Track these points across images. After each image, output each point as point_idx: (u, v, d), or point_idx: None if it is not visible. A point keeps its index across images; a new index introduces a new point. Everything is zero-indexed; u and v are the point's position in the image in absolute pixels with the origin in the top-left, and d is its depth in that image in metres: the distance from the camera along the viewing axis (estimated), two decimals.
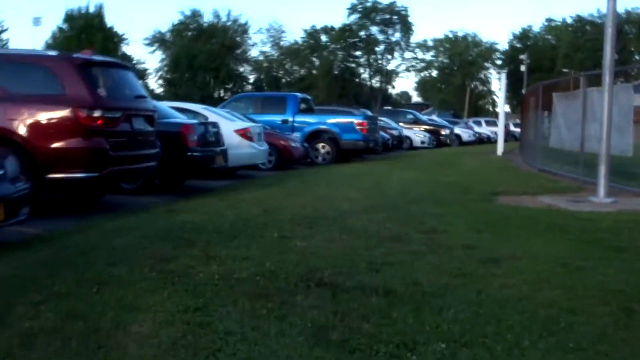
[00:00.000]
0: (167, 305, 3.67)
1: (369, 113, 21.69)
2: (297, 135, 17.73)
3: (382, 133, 25.15)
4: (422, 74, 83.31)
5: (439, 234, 6.33)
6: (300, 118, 18.55)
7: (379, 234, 6.22)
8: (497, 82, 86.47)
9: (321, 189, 10.36)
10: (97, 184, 7.46)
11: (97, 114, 7.00)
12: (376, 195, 9.61)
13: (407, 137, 30.02)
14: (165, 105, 11.83)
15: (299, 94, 19.79)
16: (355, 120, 18.24)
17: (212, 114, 13.74)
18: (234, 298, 3.87)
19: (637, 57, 69.29)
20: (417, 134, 31.01)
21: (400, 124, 31.10)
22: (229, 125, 13.49)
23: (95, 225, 6.56)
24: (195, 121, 11.10)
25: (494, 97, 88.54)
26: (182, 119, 10.80)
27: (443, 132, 33.47)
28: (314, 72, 69.25)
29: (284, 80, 70.42)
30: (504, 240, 6.17)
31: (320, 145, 18.37)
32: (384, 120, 29.39)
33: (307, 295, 4.02)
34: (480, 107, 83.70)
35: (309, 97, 20.42)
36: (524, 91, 49.07)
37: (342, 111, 21.06)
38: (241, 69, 71.45)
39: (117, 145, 7.33)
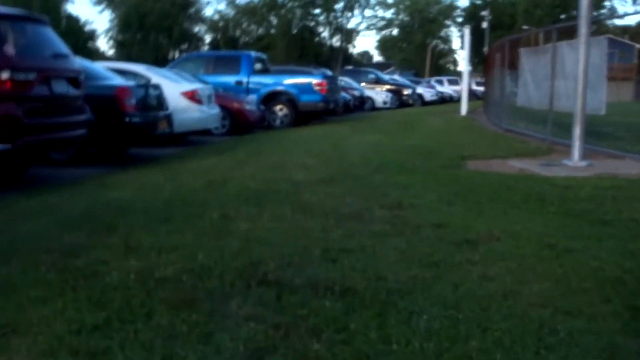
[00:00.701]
0: (56, 323, 2.82)
1: (329, 73, 20.76)
2: (252, 97, 16.77)
3: (343, 94, 24.35)
4: (383, 33, 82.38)
5: (405, 209, 5.58)
6: (255, 79, 17.57)
7: (337, 211, 5.43)
8: (459, 41, 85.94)
9: (275, 156, 9.52)
10: (11, 156, 6.47)
11: (4, 75, 6.00)
12: (335, 162, 8.81)
13: (369, 98, 29.25)
14: (100, 66, 10.75)
15: (253, 53, 18.75)
16: (314, 81, 17.32)
17: (156, 76, 12.69)
18: (149, 308, 3.05)
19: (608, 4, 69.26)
20: (379, 94, 30.26)
21: (362, 84, 30.29)
22: (175, 87, 12.49)
23: (4, 206, 5.63)
24: (132, 83, 10.08)
25: (456, 55, 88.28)
26: (118, 81, 9.77)
27: (405, 92, 32.76)
28: (272, 31, 67.58)
29: (241, 41, 68.57)
30: (478, 214, 5.45)
31: (278, 107, 17.45)
32: (344, 80, 28.55)
33: (245, 299, 3.22)
34: (442, 66, 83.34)
35: (264, 57, 19.38)
36: (486, 49, 48.55)
37: (300, 71, 20.08)
38: (196, 29, 69.43)
39: (32, 112, 6.35)
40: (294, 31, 65.31)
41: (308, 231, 4.73)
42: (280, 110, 17.40)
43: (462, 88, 22.25)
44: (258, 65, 18.27)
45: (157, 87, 10.79)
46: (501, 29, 69.18)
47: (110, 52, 67.23)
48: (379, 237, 4.56)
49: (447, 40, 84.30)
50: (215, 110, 13.47)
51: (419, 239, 4.54)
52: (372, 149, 10.48)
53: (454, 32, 79.37)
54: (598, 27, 53.63)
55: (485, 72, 25.04)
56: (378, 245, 4.34)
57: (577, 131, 8.76)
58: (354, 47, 77.24)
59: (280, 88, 17.42)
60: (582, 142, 8.78)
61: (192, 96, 12.39)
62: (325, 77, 17.60)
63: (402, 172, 7.84)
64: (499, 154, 9.87)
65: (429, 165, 8.59)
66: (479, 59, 57.17)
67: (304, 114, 17.48)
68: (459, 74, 78.38)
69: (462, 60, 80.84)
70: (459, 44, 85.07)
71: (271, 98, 17.41)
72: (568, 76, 11.44)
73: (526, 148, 10.67)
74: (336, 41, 70.63)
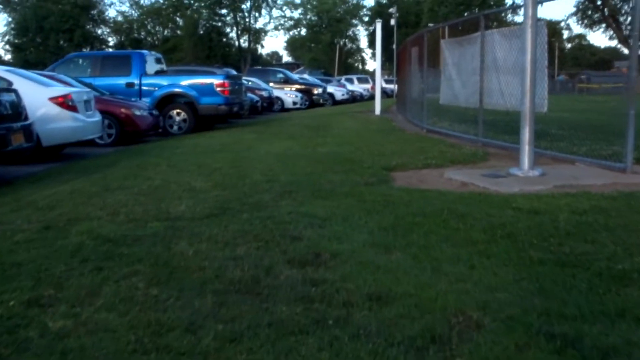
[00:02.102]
0: None
1: (233, 72, 18.62)
2: (144, 101, 14.43)
3: (249, 95, 22.27)
4: (291, 33, 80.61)
5: (325, 266, 3.64)
6: (148, 80, 15.22)
7: (221, 278, 3.43)
8: (366, 40, 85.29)
9: (159, 176, 7.38)
10: None
11: None
12: (233, 183, 6.77)
13: (278, 98, 27.27)
14: None
15: (145, 52, 16.36)
16: (215, 81, 15.13)
17: (19, 79, 10.22)
18: None
19: None
20: (289, 95, 28.32)
21: (271, 84, 28.26)
22: (43, 92, 10.08)
23: None
24: None
25: (363, 54, 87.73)
26: None
27: (316, 92, 30.91)
28: (179, 32, 64.36)
29: (145, 42, 64.99)
30: (435, 272, 3.57)
31: (175, 111, 15.16)
32: (252, 81, 26.46)
33: None
34: (350, 65, 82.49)
35: (159, 55, 17.01)
36: (394, 46, 47.59)
37: (200, 71, 17.87)
38: (99, 31, 65.25)
39: None
40: (201, 32, 62.31)
41: (163, 332, 2.70)
42: (178, 114, 15.12)
43: (376, 86, 20.62)
44: (152, 66, 15.93)
45: (12, 92, 8.42)
46: (407, 27, 68.99)
47: (7, 57, 62.34)
48: (284, 341, 2.59)
49: (354, 39, 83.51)
50: (95, 117, 11.11)
51: (352, 341, 2.60)
52: (280, 161, 8.50)
53: (361, 31, 78.58)
54: (499, 22, 53.81)
55: (399, 68, 23.58)
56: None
57: (526, 134, 7.09)
58: (262, 47, 74.96)
59: (177, 90, 15.14)
60: (532, 148, 7.12)
61: (62, 102, 10.00)
62: (227, 77, 15.44)
63: (317, 195, 5.90)
64: (431, 162, 8.11)
65: (349, 181, 6.70)
66: (386, 57, 56.22)
67: (205, 118, 15.28)
68: (367, 72, 77.84)
69: (371, 58, 79.95)
70: (366, 42, 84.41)
71: (167, 101, 15.12)
72: (501, 69, 9.87)
73: (459, 153, 8.97)
74: (244, 41, 68.19)
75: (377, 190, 6.16)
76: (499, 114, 10.75)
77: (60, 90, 10.38)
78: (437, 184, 6.71)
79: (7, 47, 61.77)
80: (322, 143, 10.83)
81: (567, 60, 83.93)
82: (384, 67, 55.74)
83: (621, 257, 3.82)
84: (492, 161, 8.46)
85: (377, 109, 19.92)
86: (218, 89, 15.08)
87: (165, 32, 66.28)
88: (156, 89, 15.14)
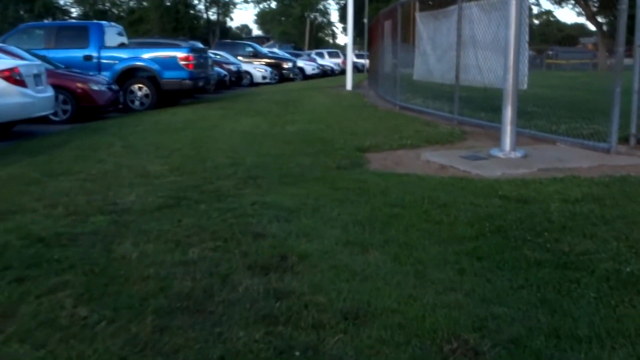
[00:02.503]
0: None
1: (198, 45, 17.81)
2: (103, 75, 13.62)
3: (217, 69, 21.49)
4: (261, 6, 79.12)
5: (291, 271, 3.10)
6: (108, 53, 14.36)
7: (167, 290, 2.86)
8: (337, 14, 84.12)
9: (111, 157, 6.74)
10: None
11: None
12: (192, 165, 6.16)
13: (247, 73, 26.45)
14: None
15: (105, 23, 15.44)
16: (179, 54, 14.33)
17: None
18: None
19: None
20: (258, 69, 27.50)
21: (239, 57, 27.41)
22: None
23: None
24: None
25: (334, 28, 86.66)
26: None
27: (285, 66, 30.12)
28: (145, 4, 62.55)
29: (110, 14, 63.08)
30: (419, 278, 3.05)
31: (137, 86, 14.36)
32: (220, 54, 25.60)
33: None
34: (321, 39, 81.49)
35: (119, 27, 16.12)
36: (365, 20, 46.80)
37: (163, 44, 17.05)
38: (61, 1, 63.14)
39: None
40: (168, 3, 60.59)
41: None
42: (139, 89, 14.33)
43: (347, 61, 19.98)
44: (113, 38, 15.05)
45: None
46: (378, 2, 67.98)
47: None
48: None
49: (325, 13, 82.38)
50: (47, 93, 10.33)
51: None
52: (246, 141, 7.90)
53: (332, 5, 77.40)
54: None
55: (371, 43, 22.95)
56: None
57: (508, 113, 6.59)
58: (231, 20, 73.42)
59: (138, 63, 14.32)
60: (515, 128, 6.63)
61: (8, 76, 9.21)
62: (192, 49, 14.64)
63: (284, 181, 5.34)
64: (406, 142, 7.59)
65: (320, 164, 6.15)
66: (358, 31, 55.38)
67: (168, 94, 14.52)
68: (338, 46, 76.84)
69: (342, 33, 78.97)
70: (337, 16, 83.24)
71: (128, 75, 14.30)
72: (479, 44, 9.35)
73: (435, 132, 8.46)
74: (212, 14, 66.66)
75: (350, 175, 5.62)
76: (474, 90, 10.26)
77: (6, 63, 9.57)
78: (414, 166, 6.20)
79: None
80: (291, 120, 10.23)
81: (535, 36, 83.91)
82: (355, 41, 54.84)
83: (627, 256, 3.35)
84: (470, 141, 7.97)
85: (349, 84, 19.33)
86: (182, 62, 14.30)
87: (131, 4, 64.40)
88: (116, 62, 14.31)
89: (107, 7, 64.68)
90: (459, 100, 9.89)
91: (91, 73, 13.46)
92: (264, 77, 27.17)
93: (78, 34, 14.57)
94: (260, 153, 6.87)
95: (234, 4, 70.81)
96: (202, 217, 4.13)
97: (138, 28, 58.77)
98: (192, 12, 63.56)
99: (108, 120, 11.79)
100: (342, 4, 78.10)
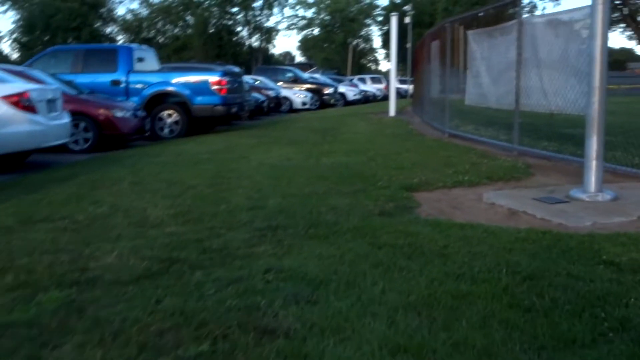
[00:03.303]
0: None
1: (234, 69, 16.86)
2: (129, 101, 12.73)
3: (255, 94, 20.59)
4: (304, 33, 78.81)
5: None
6: (136, 78, 13.49)
7: None
8: (379, 40, 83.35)
9: (111, 196, 5.65)
10: None
11: None
12: (203, 209, 5.02)
13: (286, 98, 25.52)
14: None
15: (134, 45, 14.64)
16: (211, 79, 13.37)
17: None
18: None
19: None
20: (298, 94, 26.55)
21: (279, 83, 26.53)
22: None
23: None
24: None
25: (376, 54, 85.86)
26: None
27: (326, 91, 29.10)
28: (189, 31, 62.65)
29: (156, 41, 63.38)
30: None
31: (166, 113, 13.43)
32: (259, 80, 24.78)
33: None
34: (363, 65, 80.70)
35: (150, 49, 15.30)
36: (409, 45, 45.72)
37: (195, 67, 16.14)
38: (108, 30, 63.74)
39: None
40: (211, 30, 60.46)
41: None
42: (168, 116, 13.40)
43: (390, 86, 18.78)
44: (142, 62, 14.21)
45: None
46: (420, 27, 66.90)
47: (15, 56, 61.13)
48: None
49: (368, 39, 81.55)
50: (62, 119, 9.41)
51: None
52: (274, 176, 6.74)
53: (374, 31, 76.79)
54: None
55: (415, 67, 21.74)
56: None
57: (593, 145, 5.26)
58: (274, 46, 73.20)
59: (168, 88, 13.41)
60: (602, 163, 5.30)
61: (17, 101, 8.29)
62: (225, 73, 13.66)
63: (312, 233, 4.13)
64: (463, 179, 6.30)
65: (359, 208, 4.92)
66: (401, 56, 54.34)
67: (199, 120, 13.55)
68: (380, 72, 75.84)
69: (384, 59, 78.09)
70: (379, 42, 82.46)
71: (157, 101, 13.40)
72: (543, 63, 8.05)
73: (495, 166, 7.15)
74: (255, 40, 66.43)
75: (397, 224, 4.37)
76: (535, 116, 8.94)
77: (15, 87, 8.66)
78: (476, 212, 4.92)
79: (15, 45, 60.51)
80: (328, 151, 9.05)
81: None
82: (398, 67, 53.71)
83: None
84: (538, 176, 6.64)
85: (392, 110, 18.10)
86: (214, 87, 13.34)
87: (175, 31, 64.61)
88: (145, 87, 13.43)
89: (152, 35, 65.04)
90: (519, 127, 8.57)
91: (118, 99, 12.62)
92: (303, 103, 26.19)
93: (106, 58, 13.76)
94: (287, 192, 5.68)
95: (277, 31, 70.53)
96: (191, 296, 2.94)
97: (182, 55, 58.81)
98: (235, 38, 63.39)
99: (131, 149, 10.82)
100: (385, 30, 77.30)
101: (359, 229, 4.24)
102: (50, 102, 9.13)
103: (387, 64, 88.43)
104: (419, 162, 7.51)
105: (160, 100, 13.43)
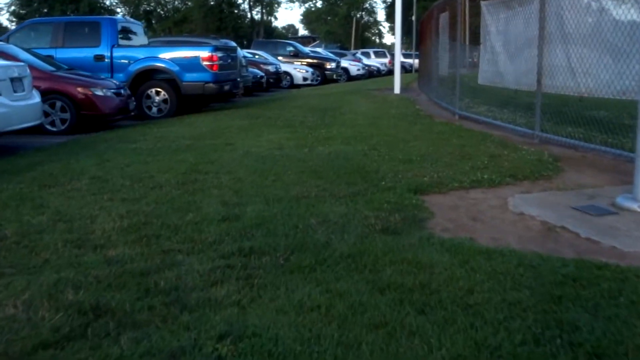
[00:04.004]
0: None
1: (229, 43, 15.73)
2: (116, 78, 11.70)
3: (253, 70, 19.52)
4: (306, 5, 77.14)
5: None
6: (121, 53, 12.41)
7: None
8: (383, 12, 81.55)
9: (57, 199, 4.65)
10: None
11: None
12: (163, 218, 4.03)
13: (287, 74, 24.38)
14: None
15: (119, 17, 13.56)
16: (202, 54, 12.29)
17: None
18: None
19: None
20: (299, 69, 25.40)
21: (279, 58, 25.36)
22: None
23: None
24: None
25: (381, 27, 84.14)
26: None
27: (329, 66, 27.90)
28: (189, 3, 61.12)
29: (155, 13, 61.96)
30: None
31: (154, 90, 12.39)
32: (258, 54, 23.66)
33: None
34: (367, 39, 79.10)
35: (137, 22, 14.17)
36: (413, 18, 44.28)
37: (186, 42, 15.02)
38: (107, 2, 62.22)
39: None
40: (212, 3, 58.89)
41: None
42: (157, 94, 12.35)
43: (395, 61, 17.60)
44: (127, 34, 13.11)
45: None
46: (425, 1, 65.08)
47: (13, 27, 59.81)
48: None
49: (372, 12, 79.83)
50: (30, 100, 8.39)
51: None
52: (260, 170, 5.73)
53: (378, 3, 74.91)
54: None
55: (421, 41, 20.54)
56: None
57: None
58: (275, 19, 71.59)
59: (156, 64, 12.32)
60: None
61: None
62: (216, 49, 12.54)
63: (293, 262, 3.13)
64: (482, 177, 5.28)
65: (356, 220, 3.93)
66: (405, 30, 52.88)
67: (190, 99, 12.51)
68: (384, 46, 74.14)
69: (388, 32, 76.46)
70: (383, 15, 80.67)
71: (145, 78, 12.34)
72: (571, 39, 6.97)
73: (519, 160, 6.12)
74: (257, 13, 64.83)
75: (404, 248, 3.37)
76: (557, 98, 7.90)
77: None
78: (503, 227, 3.92)
79: (12, 17, 59.18)
80: (325, 137, 8.02)
81: None
82: (402, 40, 52.02)
83: None
84: (570, 173, 5.62)
85: (397, 87, 17.00)
86: (205, 63, 12.27)
87: (176, 3, 63.04)
88: (131, 62, 12.37)
89: (152, 7, 63.56)
90: (540, 111, 7.53)
91: (102, 75, 11.58)
92: (304, 79, 25.05)
93: (89, 31, 12.66)
94: (271, 195, 4.68)
95: (279, 4, 68.90)
96: None
97: (182, 28, 57.47)
98: (235, 11, 61.81)
99: (111, 131, 9.80)
100: (389, 2, 75.45)
101: (355, 255, 3.25)
102: (16, 81, 8.11)
103: (391, 38, 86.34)
104: (429, 154, 6.48)
105: (147, 77, 12.37)
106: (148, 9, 62.76)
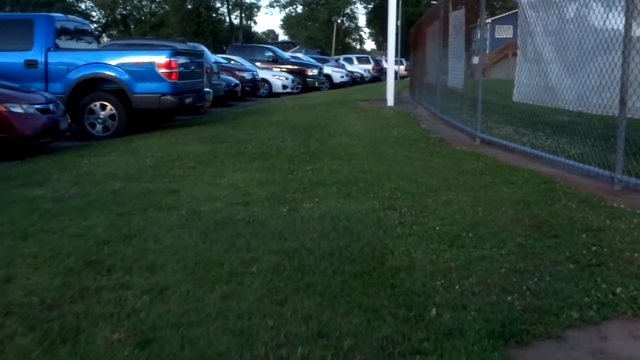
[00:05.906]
0: None
1: (197, 47, 13.14)
2: (41, 92, 9.04)
3: (226, 77, 17.00)
4: (287, 10, 74.56)
5: None
6: (58, 58, 9.80)
7: None
8: (364, 18, 79.19)
9: None
10: None
11: None
12: None
13: (265, 81, 21.83)
14: None
15: (58, 15, 10.86)
16: (158, 60, 9.70)
17: None
18: None
19: None
20: (278, 77, 22.85)
21: (257, 64, 22.83)
22: None
23: None
24: None
25: (362, 32, 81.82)
26: None
27: (310, 73, 25.38)
28: (166, 7, 58.10)
29: (132, 17, 58.94)
30: None
31: (99, 104, 9.78)
32: (234, 60, 21.12)
33: None
34: (347, 44, 76.78)
35: (84, 22, 11.55)
36: (399, 23, 41.90)
37: (139, 45, 12.37)
38: (82, 6, 59.10)
39: None
40: (189, 6, 55.87)
41: None
42: (102, 108, 9.74)
43: (389, 69, 15.06)
44: (70, 37, 10.49)
45: None
46: (406, 6, 62.88)
47: None
48: None
49: (352, 17, 77.47)
50: None
51: None
52: (205, 260, 3.20)
53: (359, 9, 72.68)
54: (504, 1, 47.85)
55: (416, 45, 18.13)
56: None
57: None
58: (255, 24, 68.91)
59: (101, 72, 9.70)
60: None
61: None
62: (176, 53, 9.96)
63: None
64: (609, 290, 2.81)
65: None
66: (384, 38, 50.44)
67: (143, 114, 9.92)
68: (365, 52, 71.71)
69: (368, 38, 74.21)
70: (364, 21, 78.45)
71: (88, 89, 9.74)
72: None
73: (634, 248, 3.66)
74: (235, 18, 62.00)
75: None
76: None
77: None
78: None
79: None
80: (313, 181, 5.48)
81: None
82: (381, 47, 49.59)
83: None
84: None
85: (390, 99, 14.52)
86: (161, 70, 9.70)
87: (153, 7, 60.00)
88: (70, 70, 9.75)
89: (129, 10, 60.50)
90: (623, 144, 5.09)
91: (33, 86, 8.99)
92: (284, 87, 22.50)
93: (19, 31, 9.99)
94: (205, 353, 2.15)
95: (258, 8, 66.08)
96: None
97: (159, 32, 54.56)
98: (214, 15, 58.90)
99: (22, 163, 7.16)
100: (370, 8, 73.10)
101: None
102: None
103: (372, 44, 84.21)
104: (481, 222, 3.98)
105: (91, 87, 9.78)
106: (124, 12, 59.75)
